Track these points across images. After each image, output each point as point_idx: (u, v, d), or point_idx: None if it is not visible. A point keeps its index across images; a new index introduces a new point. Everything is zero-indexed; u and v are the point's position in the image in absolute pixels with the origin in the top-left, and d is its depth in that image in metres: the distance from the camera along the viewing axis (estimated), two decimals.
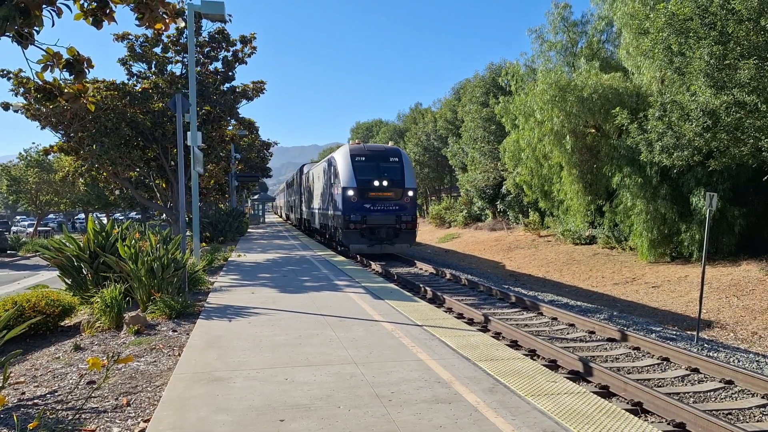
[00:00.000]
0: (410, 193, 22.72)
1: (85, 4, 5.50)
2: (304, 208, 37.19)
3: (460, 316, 11.32)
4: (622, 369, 8.51)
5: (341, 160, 23.13)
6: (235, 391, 5.44)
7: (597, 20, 30.45)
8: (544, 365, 7.65)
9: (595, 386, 7.50)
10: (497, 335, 10.17)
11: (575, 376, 7.87)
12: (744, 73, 14.17)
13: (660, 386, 7.80)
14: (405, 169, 22.90)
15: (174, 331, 8.39)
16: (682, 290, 17.56)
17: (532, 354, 8.98)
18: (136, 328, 8.28)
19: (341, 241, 23.05)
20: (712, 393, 7.56)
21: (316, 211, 29.99)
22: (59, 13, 5.07)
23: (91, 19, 5.51)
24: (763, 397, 7.27)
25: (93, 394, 5.52)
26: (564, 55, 31.19)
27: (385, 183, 22.33)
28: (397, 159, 23.13)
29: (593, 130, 25.54)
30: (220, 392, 5.42)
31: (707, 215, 12.44)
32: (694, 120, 16.26)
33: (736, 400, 7.36)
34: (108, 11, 5.58)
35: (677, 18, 16.08)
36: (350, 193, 22.07)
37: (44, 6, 4.95)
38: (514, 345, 9.47)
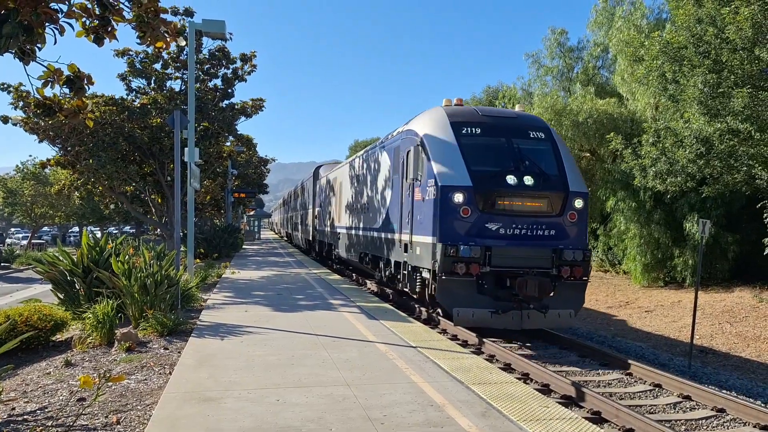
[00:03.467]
0: (578, 204, 11.43)
1: (87, 22, 5.55)
2: (318, 226, 27.58)
3: (454, 338, 11.30)
4: (614, 395, 8.50)
5: (431, 132, 12.03)
6: (226, 412, 5.41)
7: (593, 46, 30.84)
8: (537, 389, 7.64)
9: (587, 412, 7.48)
10: (491, 358, 10.15)
11: (567, 401, 7.84)
12: (738, 101, 14.32)
13: (652, 413, 7.78)
14: (562, 156, 11.95)
15: (165, 348, 8.34)
16: (675, 315, 17.57)
17: (525, 377, 8.95)
18: (127, 345, 8.23)
19: (430, 298, 11.97)
20: (703, 421, 7.54)
21: (343, 231, 20.47)
22: (62, 31, 5.12)
23: (92, 36, 5.57)
24: (755, 426, 7.26)
25: (83, 412, 5.48)
26: (560, 80, 31.53)
27: (527, 180, 11.15)
28: (542, 135, 12.16)
29: (588, 154, 25.72)
30: (211, 412, 5.39)
31: (701, 242, 12.50)
32: (688, 147, 16.40)
33: (727, 429, 7.35)
34: (109, 29, 5.63)
35: (672, 46, 16.31)
36: (457, 198, 10.91)
37: (47, 24, 5.01)
38: (508, 368, 9.45)
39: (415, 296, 13.08)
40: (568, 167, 11.81)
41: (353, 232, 18.91)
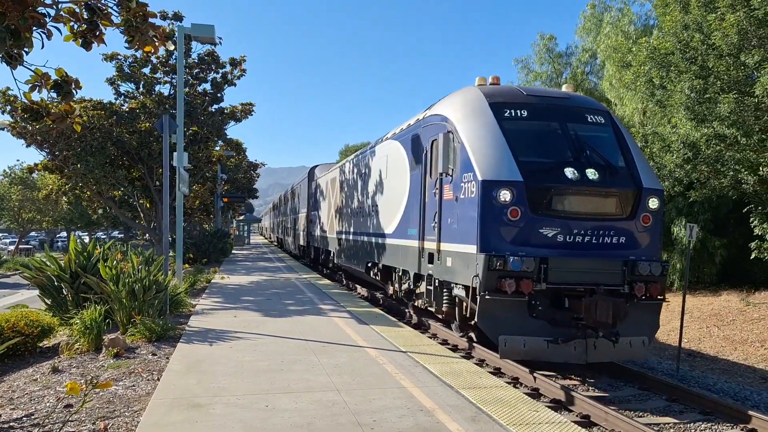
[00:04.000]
0: (653, 204, 9.31)
1: (75, 26, 5.52)
2: (313, 231, 25.70)
3: (444, 342, 11.29)
4: (604, 399, 8.52)
5: (466, 116, 9.94)
6: (214, 418, 5.38)
7: (581, 52, 31.09)
8: (527, 393, 7.65)
9: (577, 416, 7.50)
10: (481, 362, 10.15)
11: (557, 405, 7.86)
12: (724, 106, 14.48)
13: (640, 417, 7.81)
14: (629, 145, 9.92)
15: (154, 354, 8.29)
16: (663, 319, 17.59)
17: (515, 382, 8.97)
18: (115, 350, 8.17)
19: (463, 320, 10.24)
20: (691, 425, 7.58)
21: (345, 237, 18.52)
22: (49, 36, 5.09)
23: (80, 40, 5.53)
24: (742, 430, 7.31)
25: (70, 418, 5.43)
26: (549, 85, 31.73)
27: (591, 174, 9.09)
28: (602, 120, 10.17)
29: None
30: (200, 419, 5.36)
31: (688, 246, 12.60)
32: (675, 151, 16.56)
33: None
34: (98, 33, 5.60)
35: (659, 52, 16.47)
36: (503, 196, 8.77)
37: (34, 28, 4.97)
38: (497, 372, 9.46)
39: (440, 316, 11.11)
40: (637, 158, 9.68)
41: (358, 238, 16.73)
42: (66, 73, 5.50)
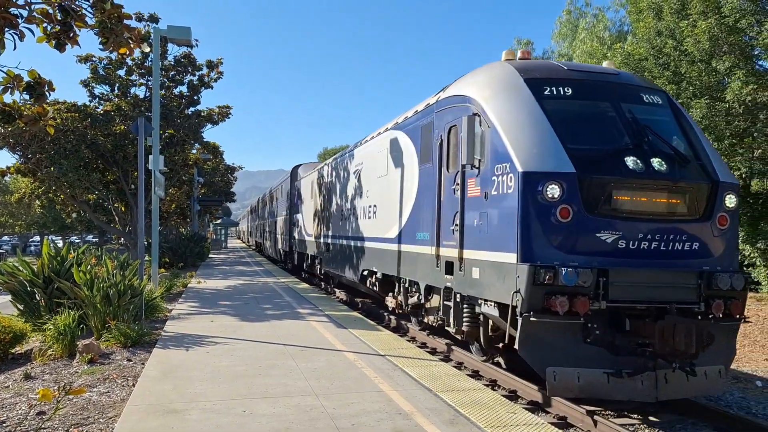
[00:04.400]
0: (730, 202, 7.74)
1: (49, 28, 5.44)
2: (298, 235, 24.00)
3: (423, 346, 11.31)
4: (580, 400, 8.59)
5: (496, 95, 8.29)
6: (190, 424, 5.33)
7: (557, 57, 31.44)
8: (504, 396, 7.69)
9: (554, 417, 7.56)
10: (459, 365, 10.19)
11: (534, 407, 7.91)
12: (696, 111, 14.74)
13: (617, 418, 7.89)
14: (695, 131, 8.46)
15: (129, 360, 8.18)
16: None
17: (493, 384, 9.01)
18: (89, 356, 8.05)
19: (487, 342, 8.80)
20: (667, 425, 7.68)
21: (337, 242, 16.72)
22: (21, 37, 5.01)
23: (54, 42, 5.46)
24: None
25: (43, 426, 5.33)
26: None
27: (657, 164, 7.46)
28: (659, 100, 8.61)
29: None
30: (176, 425, 5.30)
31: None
32: None
33: None
34: (71, 35, 5.53)
35: (633, 57, 16.74)
36: (551, 191, 7.14)
37: (6, 29, 4.90)
38: (476, 375, 9.50)
39: (459, 337, 9.44)
40: (706, 146, 8.14)
41: (351, 243, 15.08)
42: (39, 74, 5.42)
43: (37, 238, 65.62)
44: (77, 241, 64.87)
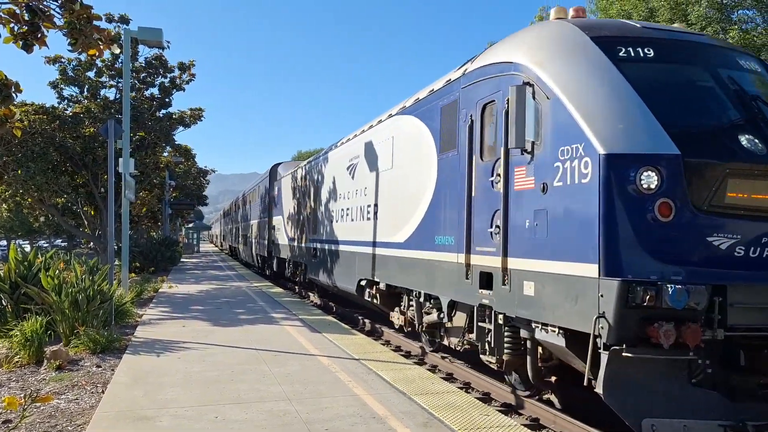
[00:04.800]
0: None
1: (15, 28, 5.35)
2: (279, 240, 22.00)
3: (397, 349, 11.32)
4: (553, 402, 8.68)
5: (556, 59, 6.50)
6: (161, 431, 5.25)
7: None
8: (478, 398, 7.74)
9: (526, 419, 7.62)
10: (433, 368, 10.22)
11: (507, 409, 7.97)
12: None
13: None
14: None
15: (98, 366, 8.05)
16: None
17: (467, 387, 9.05)
18: (57, 363, 7.90)
19: (535, 377, 6.98)
20: None
21: (328, 248, 14.93)
22: None
23: (21, 43, 5.37)
24: None
25: None
26: None
27: None
28: (757, 67, 6.81)
29: None
30: (146, 431, 5.22)
31: None
32: None
33: None
34: (39, 36, 5.45)
35: None
36: (646, 179, 5.38)
37: None
38: (450, 378, 9.54)
39: (495, 367, 7.60)
40: None
41: (346, 248, 13.28)
42: (5, 76, 5.32)
43: (4, 242, 64.06)
44: (45, 245, 63.51)
